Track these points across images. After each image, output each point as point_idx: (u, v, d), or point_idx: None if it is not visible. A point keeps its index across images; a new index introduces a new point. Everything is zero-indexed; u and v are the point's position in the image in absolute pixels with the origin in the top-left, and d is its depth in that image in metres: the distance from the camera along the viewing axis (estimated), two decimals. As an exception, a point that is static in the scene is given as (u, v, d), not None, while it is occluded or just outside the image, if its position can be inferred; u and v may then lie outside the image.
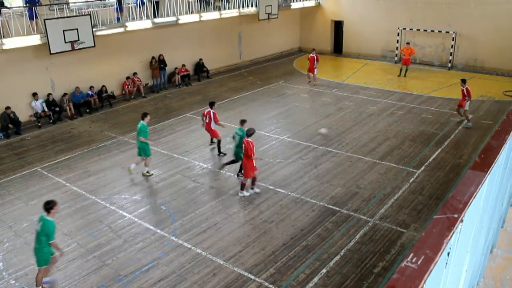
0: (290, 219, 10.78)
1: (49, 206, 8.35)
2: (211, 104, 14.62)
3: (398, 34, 27.36)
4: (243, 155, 11.86)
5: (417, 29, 26.53)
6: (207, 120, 14.59)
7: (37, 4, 17.25)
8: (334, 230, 10.30)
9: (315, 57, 22.34)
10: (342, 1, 29.78)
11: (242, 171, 12.27)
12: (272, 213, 11.05)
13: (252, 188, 12.10)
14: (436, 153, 14.41)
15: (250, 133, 11.68)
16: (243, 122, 12.86)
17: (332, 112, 18.64)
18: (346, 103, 19.82)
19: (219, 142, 14.85)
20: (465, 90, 16.34)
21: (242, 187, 12.04)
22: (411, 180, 12.60)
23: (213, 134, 14.90)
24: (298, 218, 10.82)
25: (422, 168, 13.37)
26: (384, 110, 18.67)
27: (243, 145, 11.63)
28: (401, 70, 24.64)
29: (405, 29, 27.15)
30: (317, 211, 11.10)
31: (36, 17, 16.98)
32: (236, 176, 13.16)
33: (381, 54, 28.80)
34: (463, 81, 16.64)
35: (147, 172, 13.39)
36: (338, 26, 30.98)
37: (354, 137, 15.82)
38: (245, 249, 9.71)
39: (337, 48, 31.41)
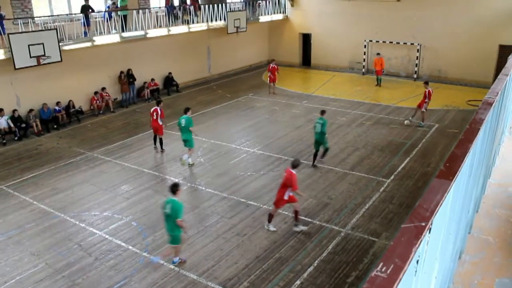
0: (262, 232, 10.77)
1: (175, 188, 9.16)
2: (158, 102, 15.99)
3: (365, 46, 27.91)
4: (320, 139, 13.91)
5: (383, 41, 27.15)
6: (154, 117, 15.59)
7: (2, 19, 16.90)
8: (307, 241, 10.34)
9: (276, 67, 23.54)
10: (309, 14, 30.24)
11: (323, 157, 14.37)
12: (244, 226, 11.03)
13: (296, 225, 10.78)
14: (405, 162, 14.69)
15: (295, 164, 10.46)
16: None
17: (302, 124, 18.81)
18: (316, 114, 19.89)
19: (161, 139, 15.96)
20: (427, 92, 17.36)
21: (270, 218, 10.82)
22: (381, 190, 12.79)
23: (156, 130, 15.83)
24: (271, 230, 10.82)
25: (392, 177, 13.59)
26: (353, 121, 18.95)
27: (285, 175, 10.41)
28: (377, 79, 25.33)
29: (371, 41, 27.74)
30: (289, 223, 11.12)
31: (4, 33, 16.62)
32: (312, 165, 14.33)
33: (349, 66, 29.31)
34: (426, 83, 17.78)
35: (191, 162, 14.82)
36: (306, 39, 31.41)
37: (325, 148, 15.97)
38: (218, 263, 9.65)
39: (306, 60, 31.80)
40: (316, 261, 9.60)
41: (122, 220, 11.56)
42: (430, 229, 2.63)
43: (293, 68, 31.07)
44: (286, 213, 11.55)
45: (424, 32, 25.59)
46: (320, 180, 13.55)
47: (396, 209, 11.71)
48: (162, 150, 16.13)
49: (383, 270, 2.09)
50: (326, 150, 14.60)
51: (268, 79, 24.03)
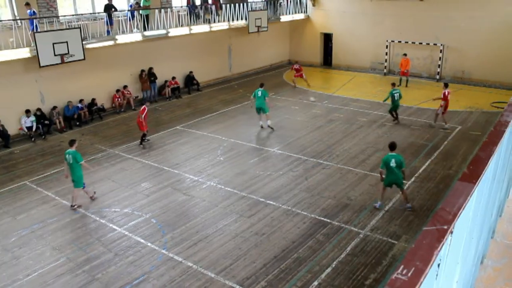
0: (281, 232, 10.76)
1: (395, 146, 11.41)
2: (144, 101, 17.41)
3: (386, 47, 27.66)
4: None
5: (406, 42, 26.85)
6: (140, 113, 16.39)
7: (36, 17, 17.23)
8: (326, 242, 10.29)
9: (299, 68, 25.20)
10: (331, 14, 30.09)
11: None
12: (263, 226, 11.02)
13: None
14: (426, 164, 14.50)
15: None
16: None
17: (323, 124, 18.73)
18: (336, 115, 19.93)
19: (144, 134, 16.76)
20: (443, 93, 17.30)
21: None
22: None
23: (141, 126, 16.47)
24: (289, 231, 10.80)
25: (412, 179, 13.43)
26: (374, 122, 18.79)
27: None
28: (400, 80, 25.04)
29: (393, 41, 27.47)
30: (308, 223, 11.10)
31: (37, 30, 16.98)
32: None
33: (370, 66, 29.07)
34: (445, 85, 17.61)
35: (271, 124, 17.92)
36: (327, 38, 31.26)
37: (345, 149, 15.89)
38: (236, 262, 9.67)
39: (326, 60, 31.65)
40: (334, 262, 9.55)
41: (142, 217, 11.67)
42: (452, 233, 2.59)
43: (314, 68, 30.95)
44: (305, 213, 11.51)
45: (448, 32, 25.22)
46: (340, 181, 13.47)
47: (417, 211, 11.58)
48: (142, 145, 16.78)
49: (403, 272, 2.07)
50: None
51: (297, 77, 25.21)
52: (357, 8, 28.50)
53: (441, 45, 25.66)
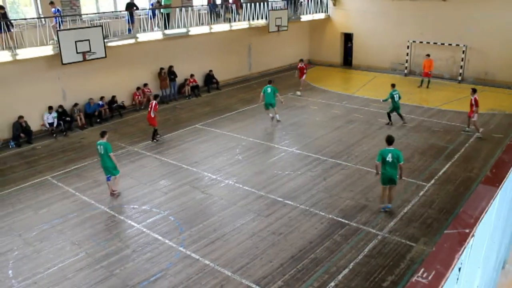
0: (298, 232, 10.73)
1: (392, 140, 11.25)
2: (156, 97, 17.11)
3: (408, 47, 27.37)
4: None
5: (427, 42, 26.52)
6: (149, 109, 16.67)
7: (59, 15, 17.51)
8: (343, 243, 10.24)
9: (305, 66, 24.22)
10: (352, 13, 29.89)
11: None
12: (280, 225, 11.01)
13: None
14: (446, 166, 14.31)
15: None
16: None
17: (342, 124, 18.62)
18: (356, 115, 19.80)
19: (155, 130, 17.07)
20: (473, 99, 16.34)
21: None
22: (420, 194, 12.52)
23: (152, 122, 16.78)
24: (307, 231, 10.78)
25: (432, 181, 13.28)
26: (394, 123, 18.61)
27: None
28: (422, 81, 24.77)
29: (415, 41, 27.17)
30: (325, 224, 11.05)
31: (60, 27, 17.30)
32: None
33: (390, 66, 28.80)
34: (474, 91, 16.66)
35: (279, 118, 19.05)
36: (346, 38, 31.07)
37: (364, 150, 15.77)
38: (253, 261, 9.68)
39: (346, 60, 31.46)
40: (352, 264, 9.49)
41: (160, 214, 11.76)
42: (473, 236, 2.55)
43: (334, 68, 30.81)
44: (323, 214, 11.47)
45: (471, 33, 24.83)
46: (359, 181, 13.38)
47: (436, 214, 11.44)
48: (157, 140, 17.12)
49: (424, 275, 2.04)
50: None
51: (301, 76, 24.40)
52: (378, 8, 28.26)
53: (464, 45, 25.28)
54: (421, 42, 26.88)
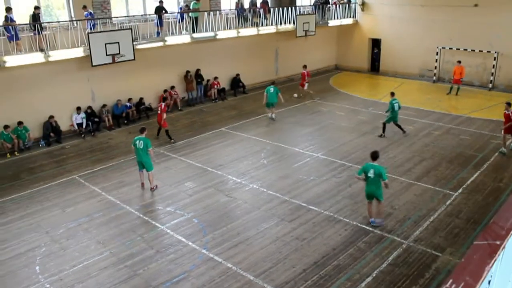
0: (322, 238, 10.66)
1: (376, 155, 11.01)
2: (165, 99, 18.04)
3: (437, 53, 26.97)
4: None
5: (457, 48, 26.08)
6: (158, 111, 17.47)
7: (90, 18, 17.87)
8: (367, 251, 10.12)
9: (306, 73, 23.41)
10: (380, 19, 29.62)
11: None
12: (304, 231, 10.96)
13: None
14: (475, 175, 14.02)
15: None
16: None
17: (368, 130, 18.44)
18: (382, 122, 19.55)
19: (166, 131, 17.58)
20: (510, 114, 15.18)
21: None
22: (447, 203, 12.29)
23: (163, 124, 17.39)
24: (331, 237, 10.70)
25: (460, 190, 13.02)
26: (421, 130, 18.35)
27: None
28: (451, 88, 24.38)
29: (444, 48, 26.75)
30: (349, 231, 10.95)
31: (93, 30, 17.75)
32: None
33: (419, 73, 28.42)
34: (508, 105, 15.41)
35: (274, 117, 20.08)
36: (373, 44, 30.80)
37: (390, 157, 15.58)
38: (276, 265, 9.65)
39: (373, 66, 31.19)
40: (375, 272, 9.37)
41: (184, 216, 11.83)
42: (504, 248, 2.49)
43: (361, 74, 30.57)
44: (348, 220, 11.37)
45: (502, 39, 24.32)
46: (384, 189, 13.19)
47: (463, 224, 11.21)
48: (172, 141, 17.54)
49: (452, 287, 2.00)
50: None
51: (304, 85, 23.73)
52: (407, 13, 27.93)
53: (495, 52, 24.77)
54: (450, 48, 26.45)
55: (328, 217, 11.58)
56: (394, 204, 12.26)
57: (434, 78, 27.42)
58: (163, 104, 17.50)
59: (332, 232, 10.88)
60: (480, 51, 25.32)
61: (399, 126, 17.71)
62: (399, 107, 17.51)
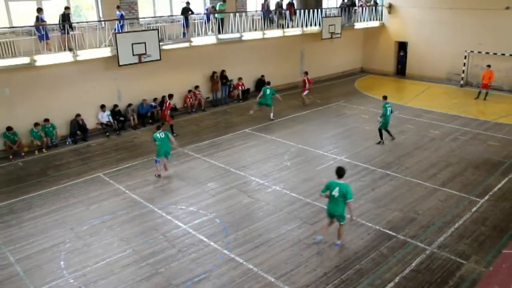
0: (344, 241, 10.57)
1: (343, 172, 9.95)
2: (170, 96, 17.91)
3: (465, 57, 26.49)
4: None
5: (486, 52, 25.57)
6: (163, 108, 18.06)
7: (117, 18, 18.13)
8: (389, 256, 10.00)
9: (307, 80, 22.84)
10: (407, 22, 29.26)
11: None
12: (326, 234, 10.88)
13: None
14: (502, 182, 13.72)
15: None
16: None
17: (393, 134, 18.21)
18: (408, 126, 19.34)
19: (171, 126, 18.13)
20: None
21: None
22: (473, 209, 12.05)
23: (167, 119, 17.92)
24: (353, 241, 10.60)
25: (486, 197, 12.76)
26: (447, 135, 18.05)
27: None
28: (479, 93, 23.96)
29: (472, 52, 26.26)
30: (372, 235, 10.84)
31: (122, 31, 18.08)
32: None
33: (446, 77, 27.96)
34: None
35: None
36: (400, 47, 30.44)
37: (415, 161, 15.37)
38: (297, 268, 9.61)
39: (400, 69, 30.82)
40: (397, 278, 9.25)
41: (207, 216, 11.88)
42: (534, 258, 2.43)
43: (387, 77, 30.26)
44: (370, 224, 11.26)
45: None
46: (408, 193, 13.05)
47: (489, 231, 10.96)
48: (175, 134, 17.94)
49: (480, 295, 1.95)
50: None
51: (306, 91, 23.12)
52: (435, 17, 27.53)
53: (526, 57, 24.23)
54: (479, 52, 25.95)
55: (350, 220, 11.46)
56: (418, 209, 12.09)
57: (462, 82, 26.94)
58: (168, 101, 17.88)
59: (354, 236, 10.79)
60: (510, 55, 24.77)
61: (388, 132, 17.38)
62: (391, 112, 17.19)
